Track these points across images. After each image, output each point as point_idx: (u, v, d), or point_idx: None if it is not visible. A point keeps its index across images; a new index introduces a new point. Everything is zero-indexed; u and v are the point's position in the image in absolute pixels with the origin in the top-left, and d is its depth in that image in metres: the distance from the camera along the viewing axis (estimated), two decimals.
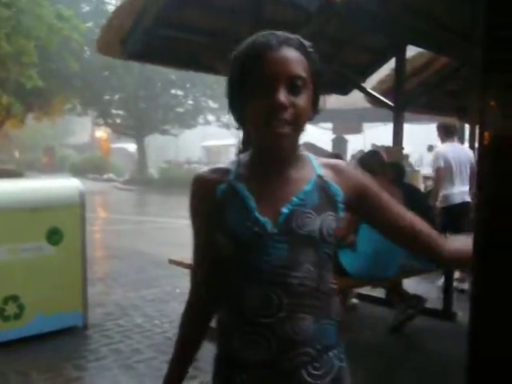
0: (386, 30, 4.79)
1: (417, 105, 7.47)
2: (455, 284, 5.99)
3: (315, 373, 1.33)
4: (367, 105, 8.68)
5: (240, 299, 1.33)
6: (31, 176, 20.46)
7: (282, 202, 1.31)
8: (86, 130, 42.08)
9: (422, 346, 4.63)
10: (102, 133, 36.96)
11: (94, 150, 38.04)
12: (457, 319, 5.27)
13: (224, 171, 1.39)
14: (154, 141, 32.76)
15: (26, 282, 4.49)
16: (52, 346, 4.44)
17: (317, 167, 1.38)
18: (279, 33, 1.30)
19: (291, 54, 1.27)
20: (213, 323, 1.50)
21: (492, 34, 0.61)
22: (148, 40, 4.98)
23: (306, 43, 1.32)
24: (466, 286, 6.23)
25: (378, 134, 18.25)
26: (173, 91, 28.11)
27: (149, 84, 26.46)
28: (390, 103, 6.59)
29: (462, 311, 5.25)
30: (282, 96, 1.24)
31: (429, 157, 16.16)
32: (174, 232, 11.85)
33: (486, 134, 0.60)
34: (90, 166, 32.28)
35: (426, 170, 15.18)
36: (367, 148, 12.68)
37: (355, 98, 9.24)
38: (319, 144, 13.78)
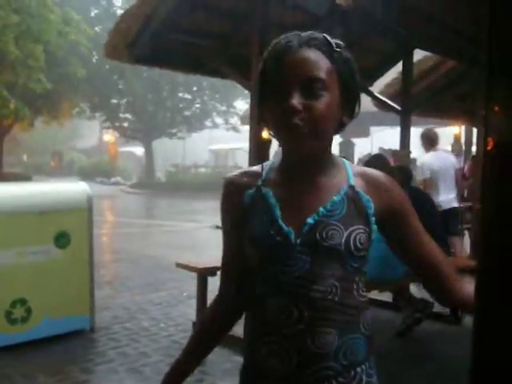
0: (393, 34, 4.79)
1: (424, 108, 7.46)
2: None
3: None
4: (374, 108, 8.67)
5: (262, 308, 1.30)
6: (39, 180, 20.58)
7: (309, 211, 1.25)
8: (94, 134, 42.26)
9: (430, 350, 4.61)
10: (109, 136, 37.11)
11: (102, 154, 38.19)
12: (463, 323, 5.25)
13: (254, 175, 1.35)
14: (161, 145, 32.89)
15: (34, 286, 4.50)
16: (59, 349, 4.45)
17: (351, 176, 1.30)
18: (304, 33, 1.24)
19: (310, 55, 1.21)
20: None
21: (496, 36, 0.61)
22: (155, 44, 5.01)
23: (334, 42, 1.24)
24: None
25: (386, 138, 18.23)
26: (180, 94, 28.23)
27: (157, 87, 26.58)
28: (397, 107, 6.58)
29: (468, 315, 5.23)
30: (295, 100, 1.19)
31: None
32: (181, 235, 11.87)
33: (490, 139, 0.60)
34: (98, 170, 32.42)
35: None
36: (375, 152, 12.66)
37: (362, 102, 9.07)
38: None
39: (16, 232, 4.40)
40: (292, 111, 1.19)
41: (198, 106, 28.96)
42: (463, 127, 13.53)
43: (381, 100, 7.06)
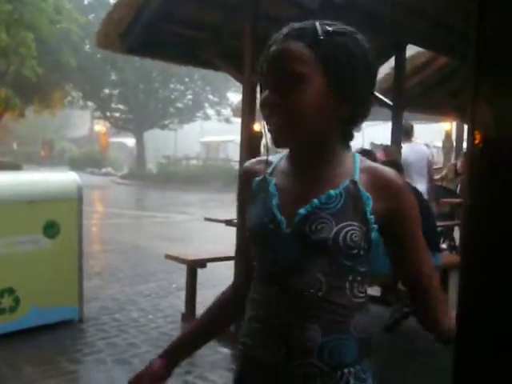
0: (386, 29, 4.79)
1: (416, 104, 7.48)
2: None
3: None
4: None
5: (256, 296, 1.31)
6: (29, 169, 20.45)
7: (304, 202, 1.23)
8: (85, 124, 42.04)
9: (417, 345, 4.64)
10: (100, 127, 36.93)
11: (93, 144, 38.00)
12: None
13: (266, 163, 1.36)
14: (152, 136, 32.77)
15: (22, 275, 4.48)
16: (47, 339, 4.44)
17: (357, 171, 1.26)
18: (296, 24, 1.21)
19: (289, 46, 1.18)
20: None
21: (483, 35, 0.61)
22: (147, 34, 4.98)
23: (323, 29, 1.19)
24: None
25: (377, 133, 18.26)
26: (172, 86, 28.13)
27: (149, 78, 26.47)
28: (389, 102, 6.59)
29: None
30: (268, 93, 1.20)
31: None
32: (171, 227, 11.86)
33: (477, 136, 0.60)
34: (89, 160, 32.26)
35: None
36: (366, 147, 12.68)
37: None
38: None
39: (5, 221, 4.38)
40: (265, 104, 1.21)
41: (190, 97, 28.88)
42: (454, 123, 13.57)
43: (373, 95, 7.06)
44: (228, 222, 5.02)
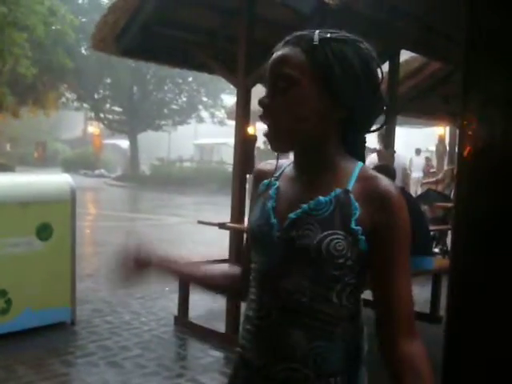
0: (380, 35, 4.82)
1: (410, 108, 7.52)
2: None
3: None
4: None
5: (250, 297, 1.33)
6: (22, 170, 20.39)
7: (296, 207, 1.23)
8: (78, 125, 41.92)
9: None
10: (94, 128, 36.84)
11: (87, 146, 37.89)
12: (444, 323, 5.30)
13: (276, 167, 1.37)
14: (146, 138, 32.72)
15: (15, 277, 4.47)
16: (39, 341, 4.43)
17: (352, 180, 1.23)
18: (298, 32, 1.24)
19: (285, 52, 1.22)
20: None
21: (473, 55, 0.63)
22: (143, 37, 5.00)
23: (319, 36, 1.20)
24: None
25: (371, 137, 18.31)
26: (166, 88, 28.11)
27: (143, 80, 26.46)
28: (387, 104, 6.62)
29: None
30: (265, 96, 1.23)
31: (417, 160, 16.31)
32: (164, 229, 11.84)
33: (466, 147, 0.62)
34: (82, 162, 32.17)
35: (416, 174, 15.27)
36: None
37: None
38: None
39: None
40: (261, 107, 1.23)
41: (184, 99, 28.87)
42: (448, 128, 13.65)
43: (379, 103, 7.10)
44: (221, 225, 5.03)
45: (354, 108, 1.22)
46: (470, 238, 0.73)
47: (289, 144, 1.26)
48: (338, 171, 1.25)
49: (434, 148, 17.03)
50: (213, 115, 29.39)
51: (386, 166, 5.44)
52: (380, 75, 1.26)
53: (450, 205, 7.85)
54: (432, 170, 14.55)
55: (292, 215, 1.23)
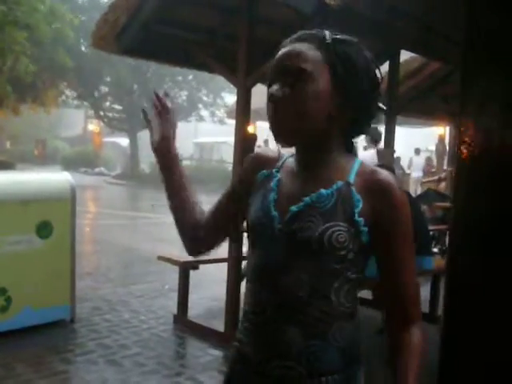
0: (380, 35, 4.82)
1: (410, 108, 7.52)
2: None
3: None
4: None
5: (247, 293, 1.32)
6: (23, 167, 20.39)
7: (297, 200, 1.24)
8: (79, 123, 41.88)
9: None
10: (94, 126, 36.80)
11: (87, 144, 37.87)
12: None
13: (277, 158, 1.38)
14: (146, 136, 32.58)
15: (14, 275, 4.48)
16: (39, 339, 4.44)
17: (353, 173, 1.25)
18: (307, 31, 1.26)
19: (296, 47, 1.23)
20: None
21: (471, 50, 0.64)
22: (143, 36, 4.99)
23: (330, 35, 1.24)
24: None
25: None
26: (166, 86, 28.10)
27: (143, 78, 26.44)
28: (383, 107, 6.63)
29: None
30: (275, 88, 1.23)
31: (417, 160, 16.32)
32: (163, 228, 11.82)
33: (463, 150, 0.62)
34: (82, 160, 32.12)
35: (416, 173, 15.29)
36: (360, 150, 12.73)
37: None
38: None
39: None
40: (271, 99, 1.22)
41: (184, 98, 28.85)
42: (448, 128, 13.65)
43: (377, 104, 7.10)
44: None
45: (359, 108, 1.25)
46: (466, 239, 0.74)
47: (295, 137, 1.26)
48: (340, 165, 1.27)
49: (433, 148, 17.04)
50: (213, 114, 29.39)
51: (386, 165, 5.45)
52: (379, 77, 1.29)
53: (449, 205, 7.88)
54: (432, 170, 14.56)
55: (294, 208, 1.23)
